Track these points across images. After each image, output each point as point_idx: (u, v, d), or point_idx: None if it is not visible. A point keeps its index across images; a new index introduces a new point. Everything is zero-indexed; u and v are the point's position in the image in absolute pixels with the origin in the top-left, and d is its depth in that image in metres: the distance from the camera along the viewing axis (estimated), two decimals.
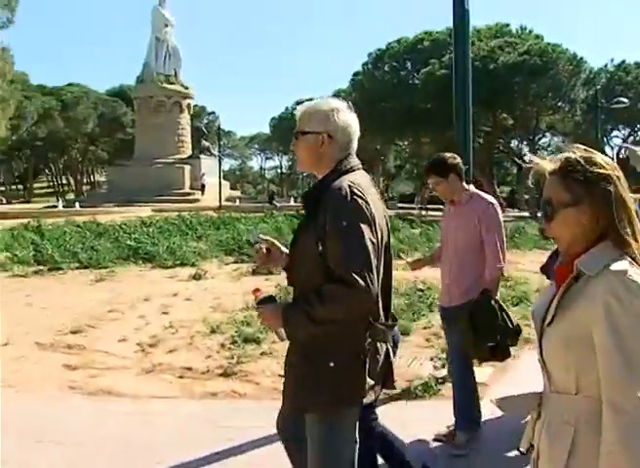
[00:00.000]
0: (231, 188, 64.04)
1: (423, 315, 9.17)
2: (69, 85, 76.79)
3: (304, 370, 2.74)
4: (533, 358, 2.60)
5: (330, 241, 2.60)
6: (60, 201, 54.33)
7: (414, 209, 45.79)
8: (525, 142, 55.65)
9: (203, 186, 50.91)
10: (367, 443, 3.33)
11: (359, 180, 2.72)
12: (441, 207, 5.14)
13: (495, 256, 4.65)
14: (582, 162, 1.89)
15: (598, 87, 43.98)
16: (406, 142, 60.38)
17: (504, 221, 5.03)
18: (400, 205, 50.41)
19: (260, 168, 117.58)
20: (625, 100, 35.93)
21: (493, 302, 4.56)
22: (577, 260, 1.89)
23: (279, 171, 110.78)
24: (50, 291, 11.93)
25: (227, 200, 49.65)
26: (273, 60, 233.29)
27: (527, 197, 51.98)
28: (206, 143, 61.72)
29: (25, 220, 26.08)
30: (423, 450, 4.77)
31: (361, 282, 2.51)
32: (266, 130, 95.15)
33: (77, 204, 46.53)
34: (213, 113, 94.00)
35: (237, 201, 51.62)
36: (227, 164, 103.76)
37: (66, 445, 5.07)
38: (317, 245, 2.63)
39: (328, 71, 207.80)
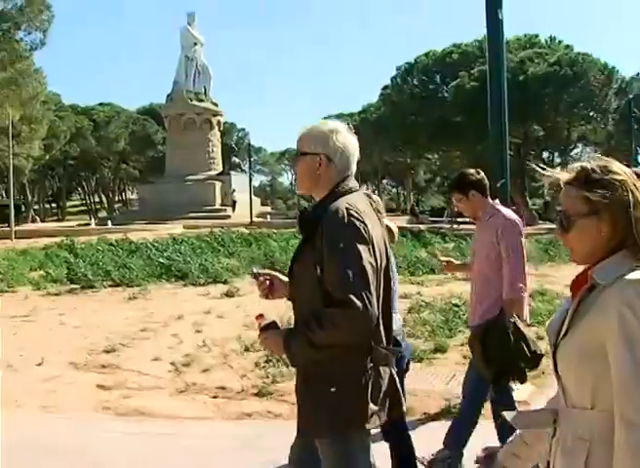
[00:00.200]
0: (262, 204, 64.08)
1: (460, 331, 8.95)
2: (101, 104, 77.63)
3: (307, 395, 2.74)
4: None
5: (327, 263, 2.57)
6: (93, 219, 54.81)
7: (443, 222, 45.42)
8: (557, 154, 55.17)
9: (234, 202, 51.02)
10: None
11: (357, 202, 2.69)
12: (473, 220, 5.00)
13: (511, 276, 4.48)
14: (599, 171, 1.83)
15: (631, 96, 43.52)
16: (436, 155, 60.16)
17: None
18: (432, 219, 50.04)
19: (291, 183, 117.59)
20: None
21: (508, 324, 4.38)
22: (591, 270, 1.83)
23: None
24: (83, 309, 11.96)
25: (258, 216, 49.69)
26: (302, 76, 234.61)
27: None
28: (236, 160, 61.93)
29: (59, 239, 26.30)
30: None
31: (359, 303, 2.47)
32: (295, 146, 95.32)
33: (109, 222, 46.84)
34: (243, 130, 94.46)
35: (268, 217, 51.60)
36: (258, 180, 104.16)
37: (101, 467, 5.01)
38: (316, 268, 2.61)
39: (357, 86, 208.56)
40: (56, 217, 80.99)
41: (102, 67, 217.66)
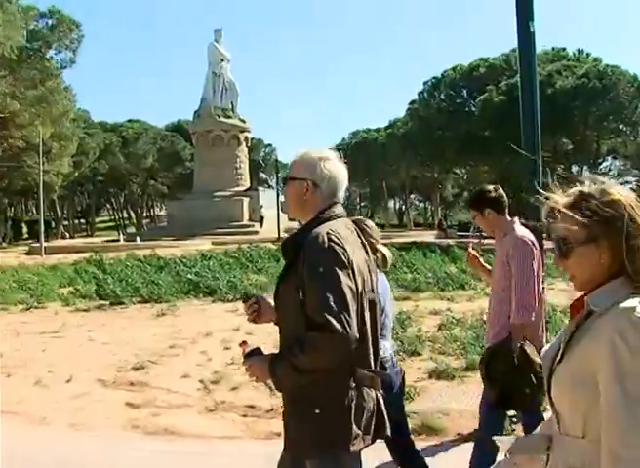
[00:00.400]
0: (289, 220, 63.93)
1: None
2: (129, 121, 78.44)
3: (293, 417, 2.77)
4: None
5: (308, 288, 2.61)
6: (122, 235, 55.19)
7: (470, 236, 45.11)
8: (586, 167, 54.69)
9: (262, 218, 51.13)
10: None
11: (338, 228, 2.73)
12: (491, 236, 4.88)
13: (519, 299, 4.32)
14: (597, 195, 1.78)
15: None
16: (463, 170, 59.93)
17: None
18: (459, 233, 49.76)
19: None
20: None
21: (514, 348, 4.22)
22: (587, 296, 1.79)
23: None
24: (112, 326, 11.97)
25: (286, 231, 49.48)
26: (330, 92, 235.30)
27: None
28: (264, 176, 62.13)
29: (88, 255, 26.48)
30: None
31: (338, 326, 2.50)
32: None
33: (138, 238, 47.13)
34: (270, 146, 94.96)
35: None
36: None
37: None
38: (298, 293, 2.64)
39: (384, 101, 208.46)
40: (85, 233, 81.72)
41: (131, 85, 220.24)
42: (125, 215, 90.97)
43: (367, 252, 2.92)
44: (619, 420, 1.63)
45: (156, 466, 5.35)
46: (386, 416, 2.86)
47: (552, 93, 40.45)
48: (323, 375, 2.61)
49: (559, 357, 1.82)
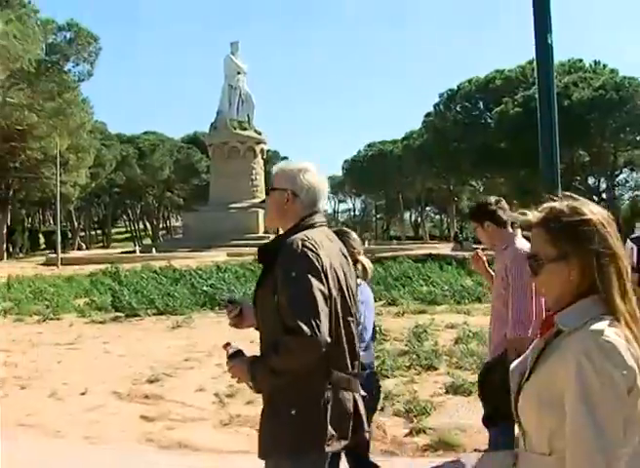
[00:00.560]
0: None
1: None
2: (145, 133, 78.97)
3: (269, 418, 2.83)
4: None
5: (280, 292, 2.69)
6: (138, 246, 55.41)
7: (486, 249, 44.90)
8: (602, 179, 54.34)
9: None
10: None
11: (315, 235, 2.82)
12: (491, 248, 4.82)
13: (515, 313, 4.26)
14: (568, 212, 1.78)
15: None
16: (480, 182, 59.75)
17: None
18: (475, 246, 49.60)
19: (334, 211, 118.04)
20: None
21: (508, 364, 4.14)
22: (557, 315, 1.79)
23: (352, 213, 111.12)
24: (127, 338, 11.96)
25: None
26: (345, 104, 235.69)
27: None
28: None
29: (104, 266, 26.56)
30: None
31: (307, 329, 2.56)
32: (339, 173, 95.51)
33: (154, 249, 47.28)
34: (286, 158, 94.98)
35: None
36: None
37: None
38: (274, 298, 2.72)
39: (400, 113, 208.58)
40: (101, 244, 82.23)
41: (148, 97, 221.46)
42: (141, 227, 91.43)
43: (347, 260, 3.02)
44: (584, 440, 1.63)
45: None
46: (365, 418, 2.93)
47: (569, 104, 40.22)
48: (300, 377, 2.68)
49: (527, 374, 1.83)
